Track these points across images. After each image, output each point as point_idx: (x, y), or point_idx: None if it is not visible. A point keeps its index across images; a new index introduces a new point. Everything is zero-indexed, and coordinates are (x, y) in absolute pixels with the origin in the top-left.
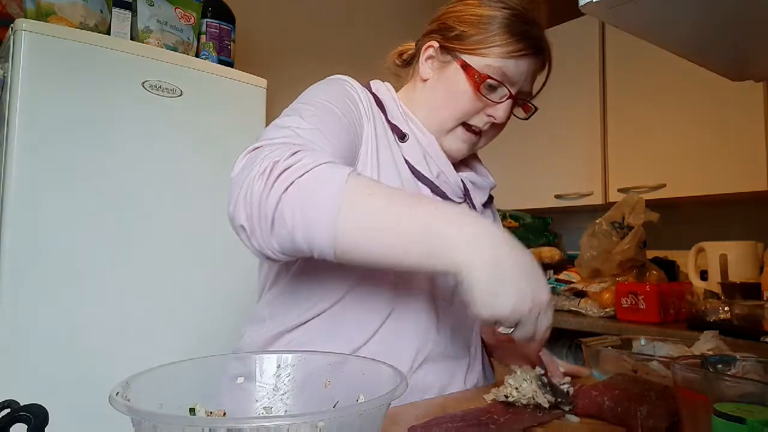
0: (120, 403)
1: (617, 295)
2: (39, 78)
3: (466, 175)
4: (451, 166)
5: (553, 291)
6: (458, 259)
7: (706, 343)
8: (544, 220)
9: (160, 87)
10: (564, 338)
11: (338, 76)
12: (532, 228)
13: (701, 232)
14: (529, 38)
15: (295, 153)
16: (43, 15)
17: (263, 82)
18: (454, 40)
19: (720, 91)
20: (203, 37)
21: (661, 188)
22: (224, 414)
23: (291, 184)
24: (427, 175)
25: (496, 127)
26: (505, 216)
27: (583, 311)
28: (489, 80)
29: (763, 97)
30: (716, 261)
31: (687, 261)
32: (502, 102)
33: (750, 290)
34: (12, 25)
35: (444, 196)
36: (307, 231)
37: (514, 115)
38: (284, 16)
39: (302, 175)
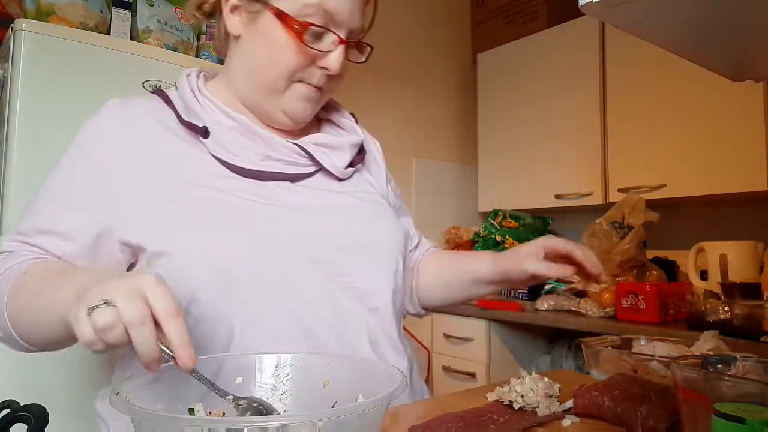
0: (120, 403)
1: (617, 295)
2: (39, 78)
3: (311, 138)
4: (275, 138)
5: (553, 291)
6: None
7: (706, 343)
8: (544, 220)
9: (160, 87)
10: (564, 338)
11: (103, 112)
12: (532, 228)
13: (701, 232)
14: None
15: None
16: (43, 15)
17: None
18: None
19: (720, 91)
20: (203, 37)
21: (661, 188)
22: (224, 414)
23: None
24: (244, 166)
25: (336, 78)
26: (505, 216)
27: (583, 311)
28: (312, 27)
29: (763, 97)
30: (716, 261)
31: (687, 261)
32: (332, 51)
33: (750, 290)
34: (12, 25)
35: (279, 177)
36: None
37: (351, 61)
38: None
39: None
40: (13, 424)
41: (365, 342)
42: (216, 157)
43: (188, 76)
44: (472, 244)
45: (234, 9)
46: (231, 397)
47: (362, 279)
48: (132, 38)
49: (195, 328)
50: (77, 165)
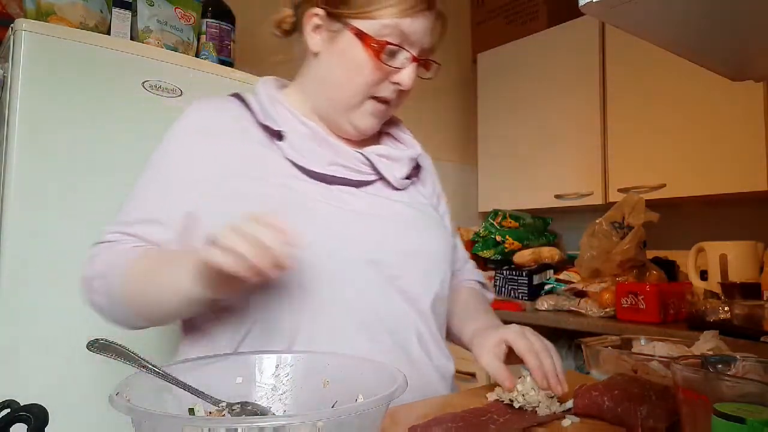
0: (120, 403)
1: (617, 295)
2: (39, 78)
3: (374, 149)
4: (343, 146)
5: (553, 291)
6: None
7: (706, 343)
8: (544, 220)
9: (160, 87)
10: (564, 338)
11: (184, 119)
12: (532, 228)
13: (701, 232)
14: None
15: (92, 258)
16: (43, 15)
17: None
18: (341, 4)
19: (720, 91)
20: (203, 37)
21: (661, 188)
22: (223, 414)
23: (90, 301)
24: (315, 169)
25: (404, 94)
26: (505, 216)
27: (583, 311)
28: (389, 46)
29: (763, 97)
30: (716, 261)
31: (687, 261)
32: (405, 67)
33: (750, 290)
34: (12, 25)
35: (344, 182)
36: (116, 322)
37: (419, 77)
38: None
39: (99, 278)
40: (13, 424)
41: (414, 340)
42: (288, 159)
43: (264, 82)
44: (472, 244)
45: (316, 28)
46: (224, 404)
47: (412, 283)
48: (132, 38)
49: (268, 319)
50: (162, 162)
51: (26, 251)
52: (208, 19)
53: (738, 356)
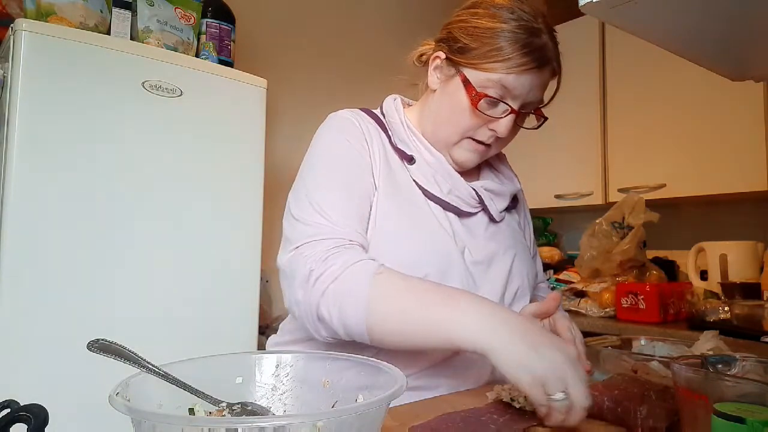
0: (120, 403)
1: (617, 295)
2: (39, 78)
3: (482, 183)
4: (461, 180)
5: (553, 291)
6: (477, 345)
7: (706, 343)
8: (544, 220)
9: (160, 87)
10: None
11: (341, 118)
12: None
13: (701, 232)
14: (532, 52)
15: (326, 258)
16: (43, 15)
17: (263, 82)
18: (458, 52)
19: (720, 91)
20: (203, 37)
21: (661, 188)
22: (223, 414)
23: (325, 289)
24: (436, 194)
25: (504, 140)
26: None
27: (583, 311)
28: (486, 98)
29: (763, 97)
30: (716, 261)
31: (687, 261)
32: (503, 117)
33: (750, 290)
34: (12, 25)
35: (456, 210)
36: (344, 327)
37: (523, 127)
38: (284, 16)
39: (334, 280)
40: (13, 424)
41: None
42: (415, 181)
43: (395, 104)
44: None
45: (436, 68)
46: (224, 404)
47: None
48: (132, 38)
49: None
50: (336, 166)
51: (26, 251)
52: (208, 19)
53: (738, 356)
